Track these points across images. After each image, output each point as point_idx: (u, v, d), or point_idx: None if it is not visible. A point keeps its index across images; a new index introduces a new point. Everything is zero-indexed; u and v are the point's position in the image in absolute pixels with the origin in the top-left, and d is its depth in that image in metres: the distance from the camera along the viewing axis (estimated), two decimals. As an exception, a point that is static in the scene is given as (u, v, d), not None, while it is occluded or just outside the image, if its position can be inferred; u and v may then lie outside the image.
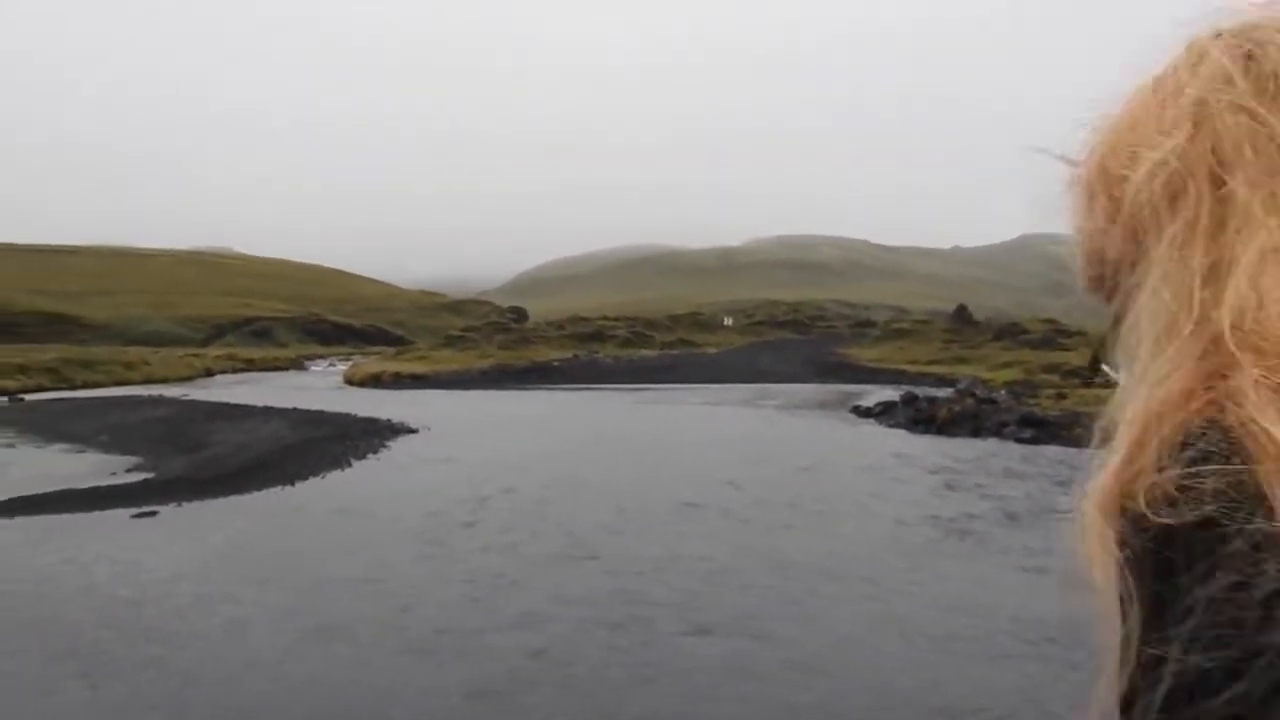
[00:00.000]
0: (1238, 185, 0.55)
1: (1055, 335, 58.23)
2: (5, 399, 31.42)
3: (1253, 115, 0.58)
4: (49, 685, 5.44)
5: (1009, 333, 58.41)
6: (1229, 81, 0.59)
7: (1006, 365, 42.31)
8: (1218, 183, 0.56)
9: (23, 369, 38.81)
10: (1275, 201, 0.55)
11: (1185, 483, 0.48)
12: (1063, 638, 6.22)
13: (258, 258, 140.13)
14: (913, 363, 48.04)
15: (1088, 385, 34.23)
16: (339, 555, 8.59)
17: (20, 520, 10.58)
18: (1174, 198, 0.57)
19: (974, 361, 46.65)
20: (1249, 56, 0.60)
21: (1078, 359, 42.02)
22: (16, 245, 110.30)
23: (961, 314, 63.67)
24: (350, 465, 14.83)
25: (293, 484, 12.88)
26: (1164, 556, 0.49)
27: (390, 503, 11.52)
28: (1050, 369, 38.56)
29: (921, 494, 11.88)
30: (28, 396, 32.31)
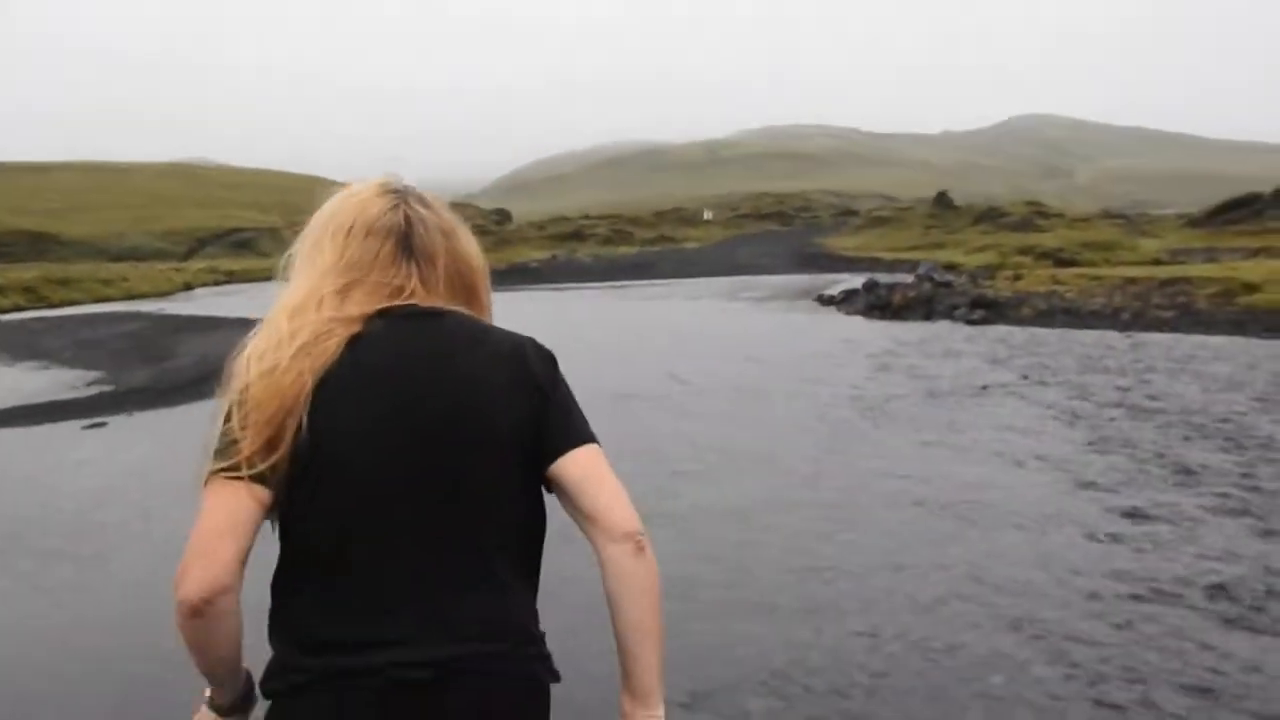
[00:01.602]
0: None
1: (1034, 217, 58.23)
2: (-19, 320, 31.63)
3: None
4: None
5: (988, 216, 58.40)
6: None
7: (981, 249, 42.48)
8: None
9: (0, 290, 38.86)
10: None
11: None
12: (934, 500, 6.61)
13: (237, 168, 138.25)
14: (891, 250, 48.17)
15: (1060, 265, 34.43)
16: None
17: (-23, 435, 10.91)
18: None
19: (951, 246, 46.80)
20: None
21: (1053, 240, 42.28)
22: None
23: (942, 199, 63.47)
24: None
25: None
26: None
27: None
28: (1024, 251, 38.77)
29: (854, 377, 12.22)
30: (4, 317, 32.49)
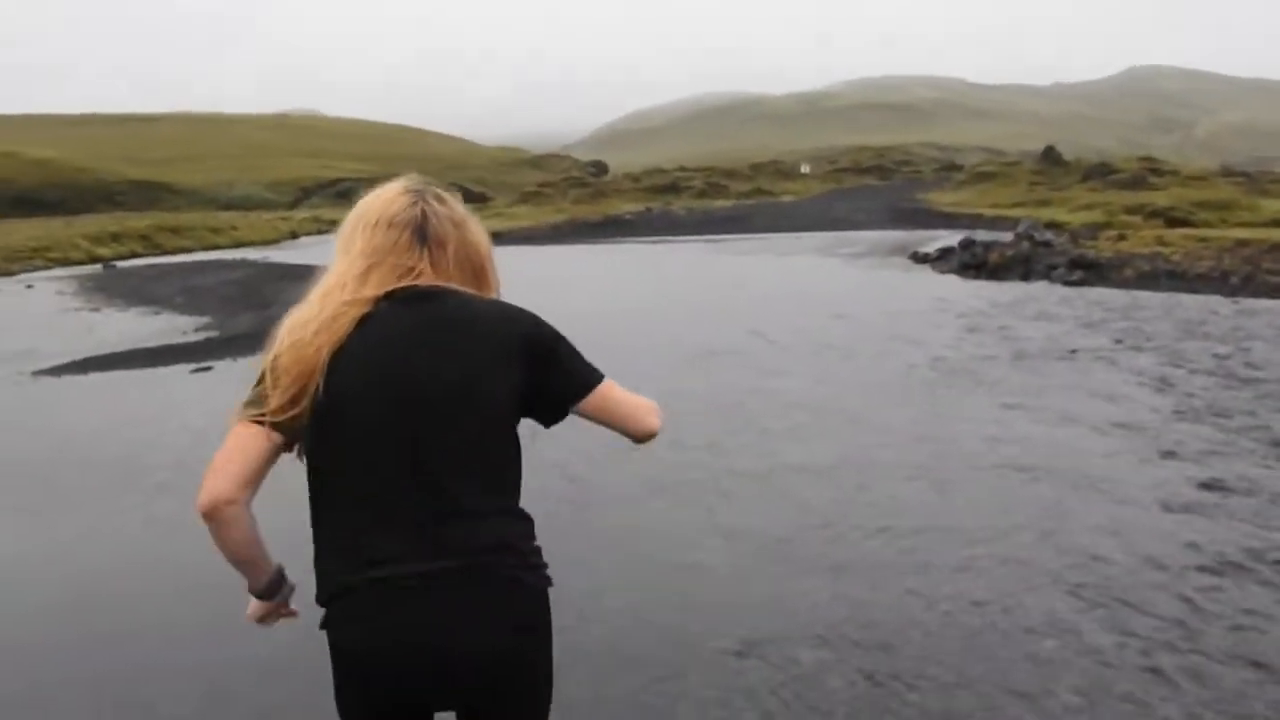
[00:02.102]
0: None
1: (1147, 174, 55.73)
2: (100, 266, 33.11)
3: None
4: (75, 503, 6.27)
5: (1098, 173, 56.17)
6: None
7: (1088, 207, 41.02)
8: None
9: (116, 237, 40.61)
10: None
11: None
12: (1010, 463, 6.60)
13: (340, 118, 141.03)
14: (994, 206, 46.81)
15: (1171, 225, 33.12)
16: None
17: (93, 376, 11.58)
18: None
19: (1056, 203, 45.25)
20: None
21: (1164, 199, 40.47)
22: (106, 114, 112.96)
23: (1049, 154, 61.32)
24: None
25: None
26: None
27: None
28: (1134, 210, 37.31)
29: (942, 337, 12.09)
30: (120, 264, 33.97)
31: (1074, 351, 10.95)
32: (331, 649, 1.84)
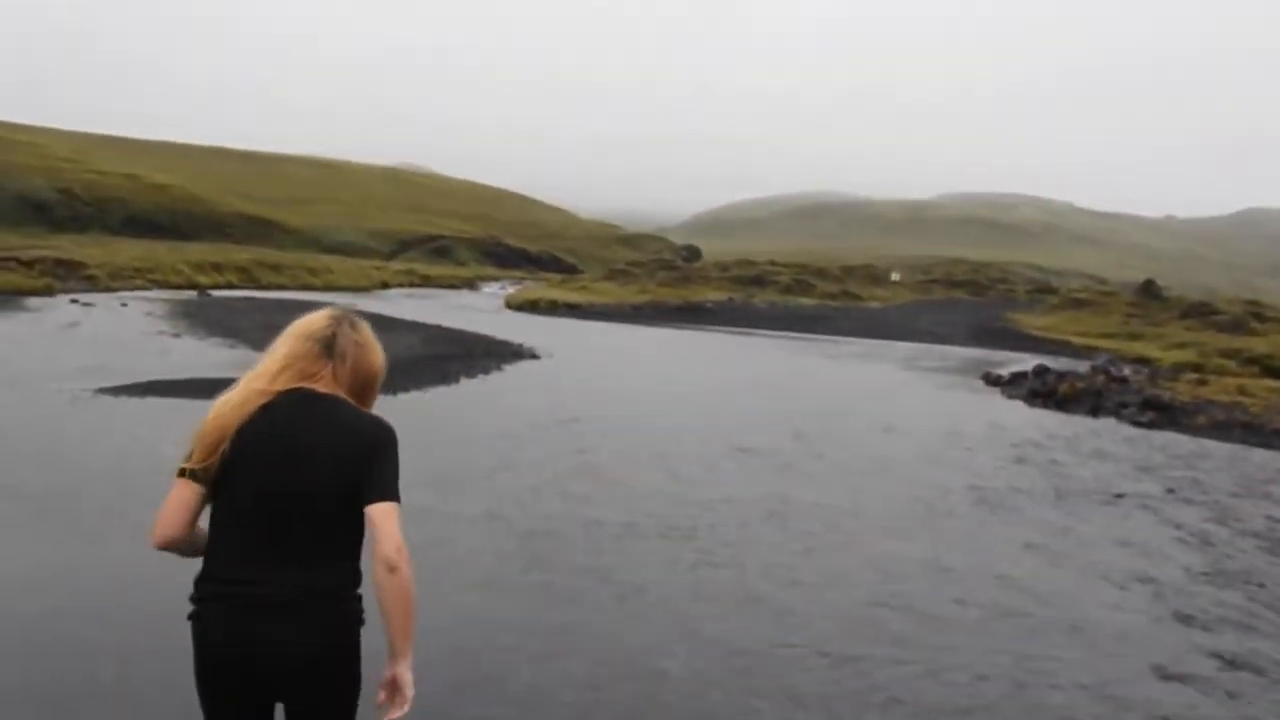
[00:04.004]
0: None
1: (1249, 318, 54.00)
2: (196, 293, 34.43)
3: None
4: (103, 533, 6.45)
5: (1197, 311, 54.66)
6: None
7: (1181, 345, 39.84)
8: None
9: (218, 267, 42.30)
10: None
11: None
12: (1009, 606, 6.37)
13: (447, 177, 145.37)
14: (1082, 335, 45.79)
15: (1271, 375, 32.06)
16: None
17: (150, 400, 11.98)
18: None
19: (1149, 338, 44.11)
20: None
21: (1264, 345, 39.13)
22: (232, 149, 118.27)
23: (1148, 288, 60.05)
24: (457, 382, 15.85)
25: (394, 394, 13.94)
26: None
27: (470, 421, 12.38)
28: (1229, 354, 36.14)
29: (986, 465, 11.82)
30: (215, 292, 35.28)
31: (1120, 495, 10.59)
32: (194, 636, 2.45)
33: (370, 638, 2.50)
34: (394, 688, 2.40)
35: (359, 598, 2.48)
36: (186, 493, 2.45)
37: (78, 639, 4.92)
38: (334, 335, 2.55)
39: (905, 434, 13.68)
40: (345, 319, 2.60)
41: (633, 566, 6.73)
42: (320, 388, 2.49)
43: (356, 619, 2.48)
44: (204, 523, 2.51)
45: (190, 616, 2.44)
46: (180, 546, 2.47)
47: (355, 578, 2.49)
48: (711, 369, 21.66)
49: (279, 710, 2.48)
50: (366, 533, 2.44)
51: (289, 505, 2.39)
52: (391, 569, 2.33)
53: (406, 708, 2.41)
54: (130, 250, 44.14)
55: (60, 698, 4.38)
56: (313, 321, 2.60)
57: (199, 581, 2.44)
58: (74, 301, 27.43)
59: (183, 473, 2.44)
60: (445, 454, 10.15)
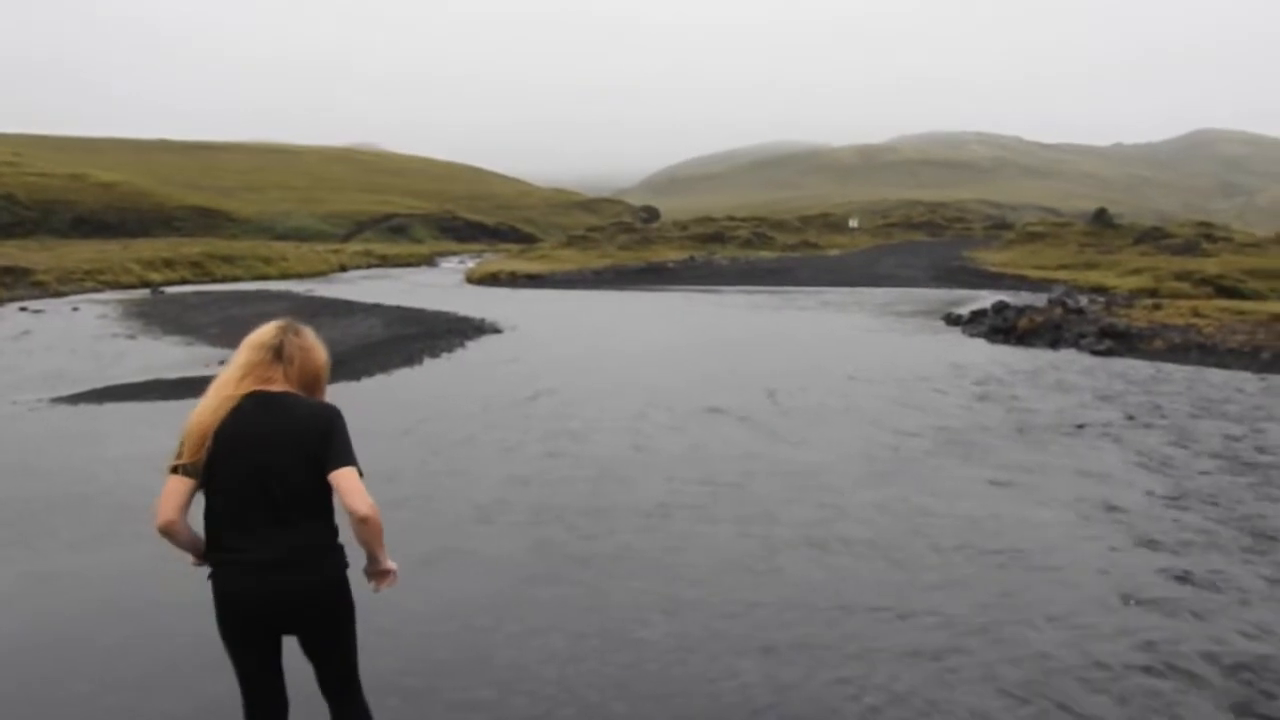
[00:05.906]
0: None
1: (1201, 240, 54.76)
2: (149, 291, 33.92)
3: None
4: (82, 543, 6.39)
5: (1150, 237, 55.42)
6: None
7: (1136, 272, 40.39)
8: None
9: (169, 262, 41.62)
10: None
11: None
12: (975, 543, 6.48)
13: (399, 155, 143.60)
14: (1039, 268, 46.25)
15: (1222, 294, 32.54)
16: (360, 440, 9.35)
17: (107, 406, 11.82)
18: None
19: (1104, 267, 44.63)
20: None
21: (1215, 266, 39.67)
22: (173, 141, 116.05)
23: (1101, 216, 60.73)
24: (420, 363, 15.77)
25: (358, 379, 13.86)
26: None
27: (437, 400, 12.34)
28: (1183, 276, 36.71)
29: (949, 405, 11.96)
30: (168, 289, 34.76)
31: (1081, 426, 10.76)
32: (213, 591, 3.04)
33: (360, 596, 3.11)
34: (379, 572, 3.11)
35: (340, 547, 3.09)
36: (179, 485, 3.00)
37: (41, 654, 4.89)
38: (281, 343, 3.10)
39: (870, 382, 13.79)
40: (289, 328, 3.16)
41: (608, 534, 6.76)
42: (275, 388, 3.06)
43: (341, 560, 3.08)
44: (196, 523, 3.06)
45: (209, 576, 3.04)
46: (178, 531, 3.01)
47: (332, 531, 3.07)
48: (674, 330, 21.68)
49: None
50: (336, 498, 2.99)
51: (266, 482, 2.96)
52: (363, 520, 2.95)
53: (394, 578, 3.14)
54: (79, 252, 43.27)
55: None
56: (263, 334, 3.14)
57: (207, 553, 3.05)
58: (23, 309, 26.93)
59: (175, 469, 2.99)
60: (411, 438, 10.12)
